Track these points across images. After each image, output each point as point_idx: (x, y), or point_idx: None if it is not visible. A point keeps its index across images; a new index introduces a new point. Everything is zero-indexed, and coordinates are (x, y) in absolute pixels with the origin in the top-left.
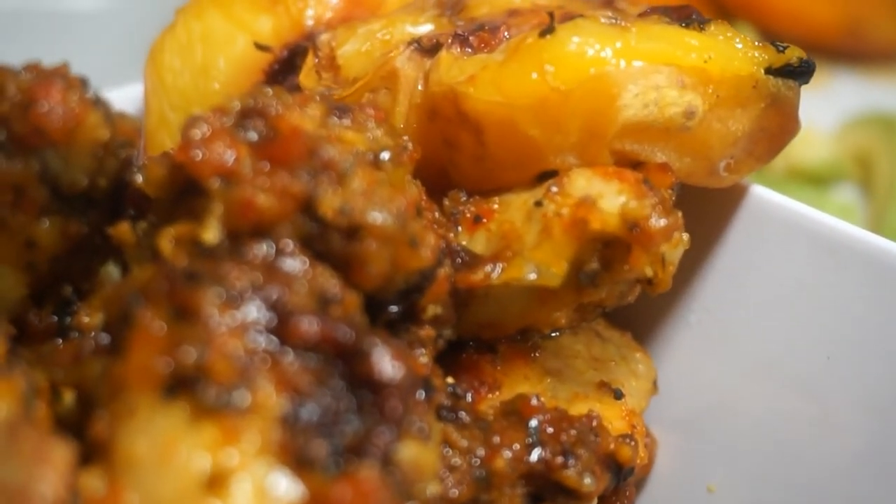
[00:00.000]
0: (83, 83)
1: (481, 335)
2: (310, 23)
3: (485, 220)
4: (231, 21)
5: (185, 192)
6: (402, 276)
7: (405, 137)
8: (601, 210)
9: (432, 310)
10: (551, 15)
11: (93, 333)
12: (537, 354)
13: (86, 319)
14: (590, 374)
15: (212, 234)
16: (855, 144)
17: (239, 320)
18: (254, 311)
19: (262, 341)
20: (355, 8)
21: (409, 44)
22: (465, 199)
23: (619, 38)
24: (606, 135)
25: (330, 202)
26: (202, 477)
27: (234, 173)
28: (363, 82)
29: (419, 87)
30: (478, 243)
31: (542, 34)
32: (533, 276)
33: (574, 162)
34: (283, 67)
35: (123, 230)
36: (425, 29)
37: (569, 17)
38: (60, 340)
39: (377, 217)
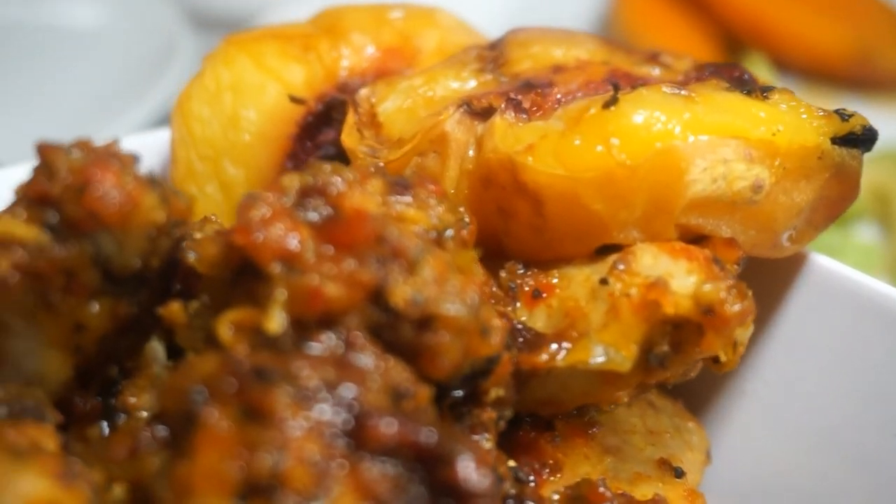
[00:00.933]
0: (135, 161)
1: (538, 411)
2: (344, 73)
3: (545, 296)
4: (261, 70)
5: (240, 272)
6: (469, 363)
7: (461, 209)
8: (673, 293)
9: (495, 392)
10: (615, 86)
11: (147, 426)
12: (595, 430)
13: (132, 400)
14: (648, 450)
15: (276, 323)
16: (871, 180)
17: (314, 422)
18: (328, 412)
19: (339, 445)
20: (390, 58)
21: (459, 106)
22: (521, 270)
23: (686, 110)
24: (674, 210)
25: (402, 292)
26: None
27: (297, 258)
28: (411, 146)
29: (470, 152)
30: (538, 319)
31: (606, 105)
32: (600, 360)
33: (637, 236)
34: (318, 120)
35: (175, 311)
36: (469, 85)
37: (626, 82)
38: (106, 423)
39: (451, 308)
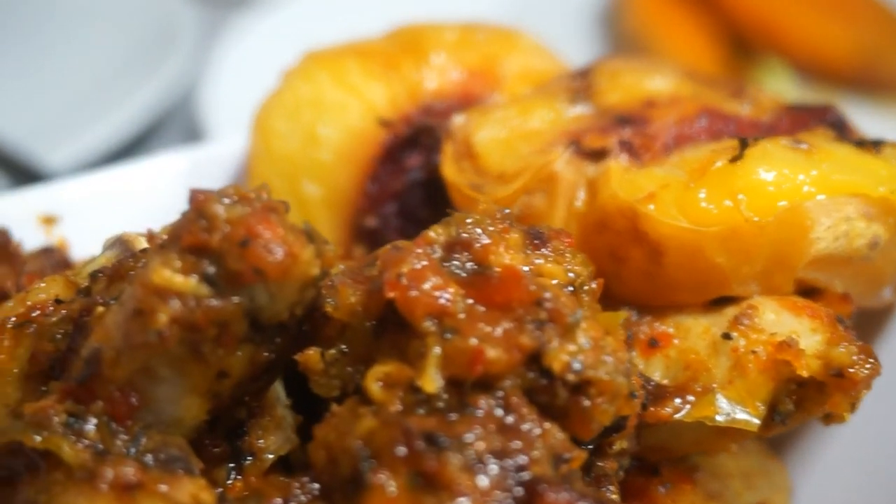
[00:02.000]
0: (287, 210)
1: (645, 457)
2: (428, 95)
3: (661, 345)
4: (343, 87)
5: (381, 322)
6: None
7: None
8: (804, 354)
9: (619, 445)
10: (742, 142)
11: (296, 480)
12: (698, 476)
13: (259, 443)
14: (746, 495)
15: (433, 382)
16: None
17: (486, 491)
18: (500, 481)
19: None
20: (473, 81)
21: (567, 146)
22: (635, 317)
23: (811, 167)
24: (796, 266)
25: (561, 358)
26: None
27: (449, 314)
28: (521, 184)
29: (580, 194)
30: (655, 369)
31: (733, 160)
32: (726, 419)
33: (755, 289)
34: (403, 143)
35: (312, 358)
36: (564, 116)
37: (719, 120)
38: (232, 465)
39: (608, 374)
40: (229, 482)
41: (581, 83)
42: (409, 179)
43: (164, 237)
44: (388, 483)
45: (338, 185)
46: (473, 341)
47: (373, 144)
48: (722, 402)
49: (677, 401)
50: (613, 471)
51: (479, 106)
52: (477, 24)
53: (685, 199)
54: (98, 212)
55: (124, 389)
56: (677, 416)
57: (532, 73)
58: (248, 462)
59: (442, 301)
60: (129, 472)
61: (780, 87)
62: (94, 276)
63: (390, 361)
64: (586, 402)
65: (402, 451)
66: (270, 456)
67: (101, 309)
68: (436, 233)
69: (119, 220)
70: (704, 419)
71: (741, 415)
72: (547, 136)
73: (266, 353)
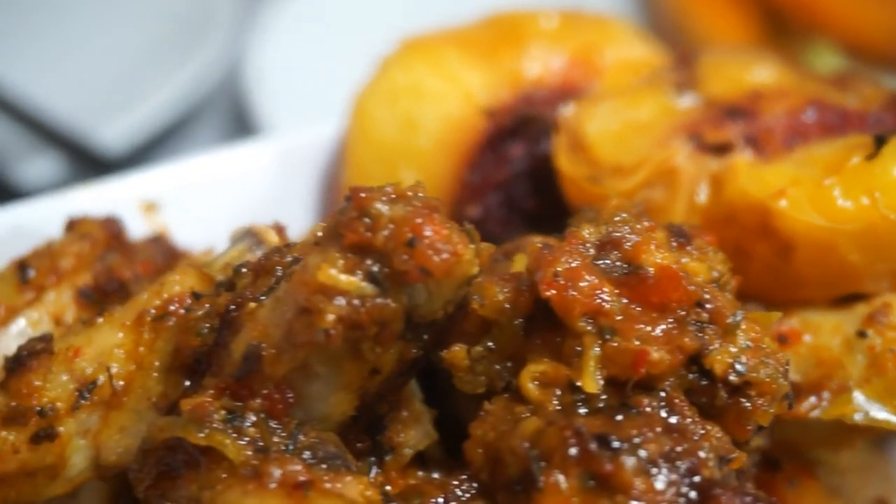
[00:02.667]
0: (444, 208)
1: (770, 451)
2: (528, 84)
3: (790, 342)
4: (441, 76)
5: (531, 320)
6: None
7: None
8: None
9: (756, 442)
10: (878, 138)
11: (457, 482)
12: (819, 471)
13: (399, 438)
14: (864, 490)
15: (594, 382)
16: None
17: (660, 493)
18: (672, 483)
19: None
20: (574, 70)
21: (688, 140)
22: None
23: None
24: None
25: (722, 359)
26: None
27: (606, 314)
28: (642, 178)
29: (702, 188)
30: None
31: (869, 157)
32: (864, 417)
33: (886, 287)
34: (504, 133)
35: (458, 355)
36: (675, 107)
37: (826, 111)
38: (374, 459)
39: (768, 376)
40: (370, 477)
41: (685, 74)
42: (512, 169)
43: (319, 234)
44: (563, 484)
45: (435, 173)
46: (636, 342)
47: (472, 133)
48: (860, 400)
49: (812, 399)
50: (747, 467)
51: (585, 97)
52: (575, 12)
53: (819, 196)
54: (196, 199)
55: (280, 386)
56: (813, 413)
57: (631, 62)
58: (388, 457)
59: (598, 301)
60: (298, 469)
61: (827, 67)
62: (237, 270)
63: (543, 360)
64: (747, 404)
65: (574, 452)
66: (409, 451)
67: (252, 305)
68: (588, 231)
69: (216, 208)
70: (842, 417)
71: (880, 413)
72: (660, 128)
73: (414, 350)
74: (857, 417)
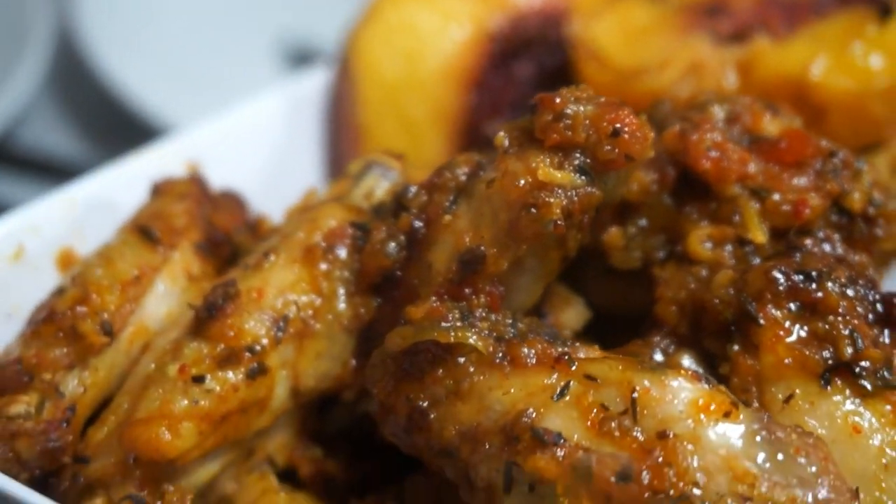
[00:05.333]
0: None
1: None
2: (515, 8)
3: None
4: (432, 9)
5: (677, 194)
6: None
7: None
8: None
9: None
10: (883, 9)
11: (656, 341)
12: None
13: (560, 320)
14: None
15: (762, 233)
16: None
17: (858, 308)
18: (863, 300)
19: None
20: None
21: (707, 34)
22: None
23: None
24: None
25: (860, 196)
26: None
27: (752, 177)
28: (676, 73)
29: (729, 75)
30: None
31: (882, 24)
32: None
33: None
34: (506, 57)
35: (616, 236)
36: (664, 12)
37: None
38: None
39: (893, 206)
40: None
41: None
42: (520, 89)
43: (506, 143)
44: (779, 316)
45: (441, 102)
46: (792, 194)
47: (472, 57)
48: None
49: None
50: None
51: (579, 15)
52: None
53: (846, 63)
54: (226, 154)
55: (495, 283)
56: None
57: None
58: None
59: (746, 167)
60: (545, 347)
61: None
62: (404, 194)
63: (704, 226)
64: (879, 232)
65: (783, 287)
66: (569, 332)
67: (447, 218)
68: (719, 108)
69: (241, 160)
70: None
71: None
72: (663, 30)
73: (581, 235)
74: None
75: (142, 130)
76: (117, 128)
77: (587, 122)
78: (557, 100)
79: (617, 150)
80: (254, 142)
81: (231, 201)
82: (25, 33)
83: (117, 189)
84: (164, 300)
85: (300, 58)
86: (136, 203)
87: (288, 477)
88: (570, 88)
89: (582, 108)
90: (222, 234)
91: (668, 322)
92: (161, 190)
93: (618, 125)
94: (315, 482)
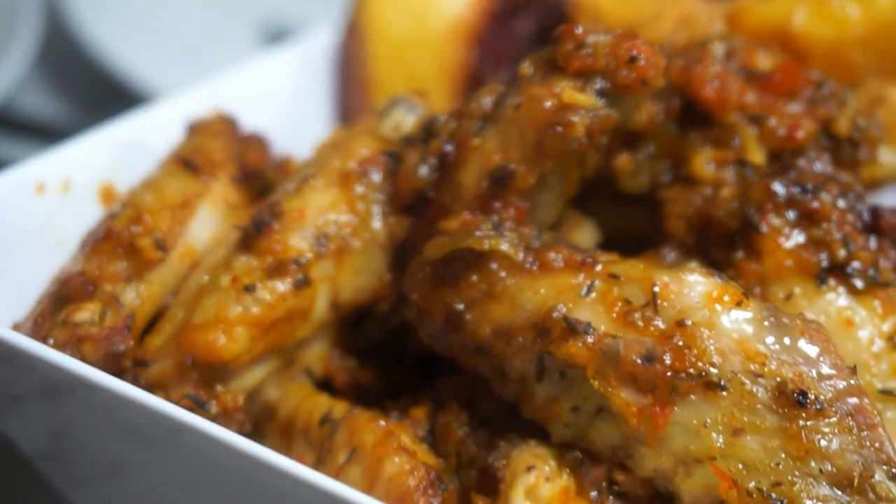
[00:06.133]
0: None
1: None
2: None
3: None
4: None
5: (681, 123)
6: None
7: None
8: None
9: None
10: None
11: (666, 251)
12: None
13: (574, 239)
14: None
15: (760, 155)
16: None
17: (849, 217)
18: (852, 210)
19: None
20: None
21: None
22: None
23: None
24: None
25: (846, 122)
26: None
27: (749, 106)
28: (669, 25)
29: (717, 26)
30: None
31: None
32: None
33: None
34: (507, 14)
35: (626, 162)
36: None
37: None
38: None
39: (877, 130)
40: None
41: None
42: (522, 45)
43: (531, 72)
44: (779, 223)
45: (446, 59)
46: (786, 119)
47: (475, 16)
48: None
49: None
50: None
51: None
52: None
53: (824, 13)
54: (245, 101)
55: (522, 199)
56: None
57: None
58: None
59: (745, 96)
60: (570, 251)
61: None
62: (433, 122)
63: (706, 150)
64: (863, 154)
65: (783, 199)
66: None
67: (476, 141)
68: (719, 45)
69: (259, 110)
70: None
71: None
72: None
73: (598, 156)
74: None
75: (130, 98)
76: (106, 96)
77: (606, 50)
78: (579, 30)
79: (634, 75)
80: (269, 91)
81: (258, 142)
82: (16, 10)
83: (150, 131)
84: (208, 224)
85: (276, 35)
86: (166, 144)
87: (324, 387)
88: (588, 22)
89: (601, 38)
90: (254, 170)
91: (676, 235)
92: (197, 129)
93: (634, 52)
94: (350, 391)
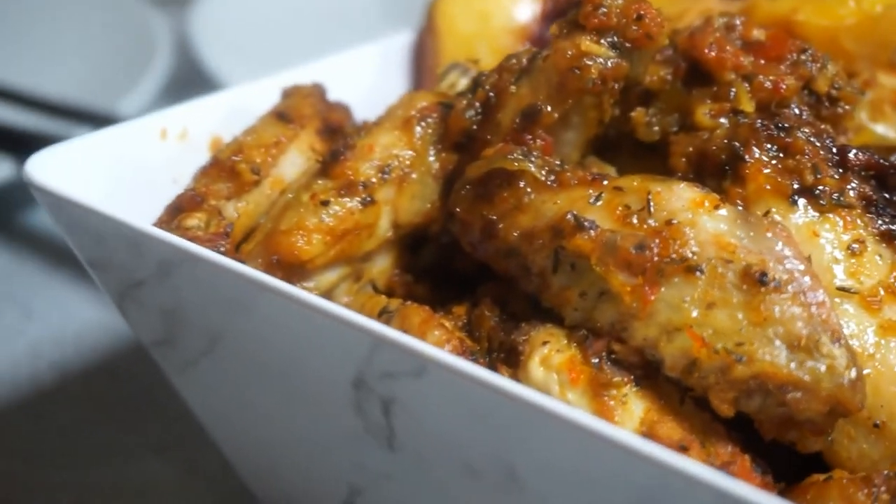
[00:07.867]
0: None
1: None
2: None
3: None
4: None
5: (686, 81)
6: None
7: None
8: None
9: None
10: None
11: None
12: None
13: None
14: None
15: (750, 104)
16: None
17: (821, 152)
18: (825, 147)
19: (833, 167)
20: None
21: None
22: None
23: None
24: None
25: (824, 81)
26: (841, 252)
27: (743, 67)
28: (689, 21)
29: (736, 22)
30: None
31: None
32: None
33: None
34: (558, 14)
35: (640, 114)
36: None
37: None
38: None
39: (851, 90)
40: None
41: None
42: None
43: (558, 31)
44: (760, 154)
45: (504, 51)
46: (773, 76)
47: (531, 15)
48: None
49: None
50: None
51: None
52: None
53: (823, 4)
54: (333, 90)
55: (547, 132)
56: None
57: None
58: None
59: (740, 59)
60: (584, 172)
61: None
62: (479, 77)
63: (706, 103)
64: (840, 110)
65: (764, 135)
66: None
67: (512, 87)
68: (720, 19)
69: (348, 94)
70: None
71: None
72: None
73: (613, 101)
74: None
75: None
76: None
77: (618, 10)
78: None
79: (640, 31)
80: (354, 78)
81: (342, 106)
82: (152, 41)
83: (254, 98)
84: (295, 162)
85: None
86: (266, 108)
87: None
88: None
89: (615, 1)
90: (337, 126)
91: (679, 169)
92: (291, 92)
93: (641, 12)
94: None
